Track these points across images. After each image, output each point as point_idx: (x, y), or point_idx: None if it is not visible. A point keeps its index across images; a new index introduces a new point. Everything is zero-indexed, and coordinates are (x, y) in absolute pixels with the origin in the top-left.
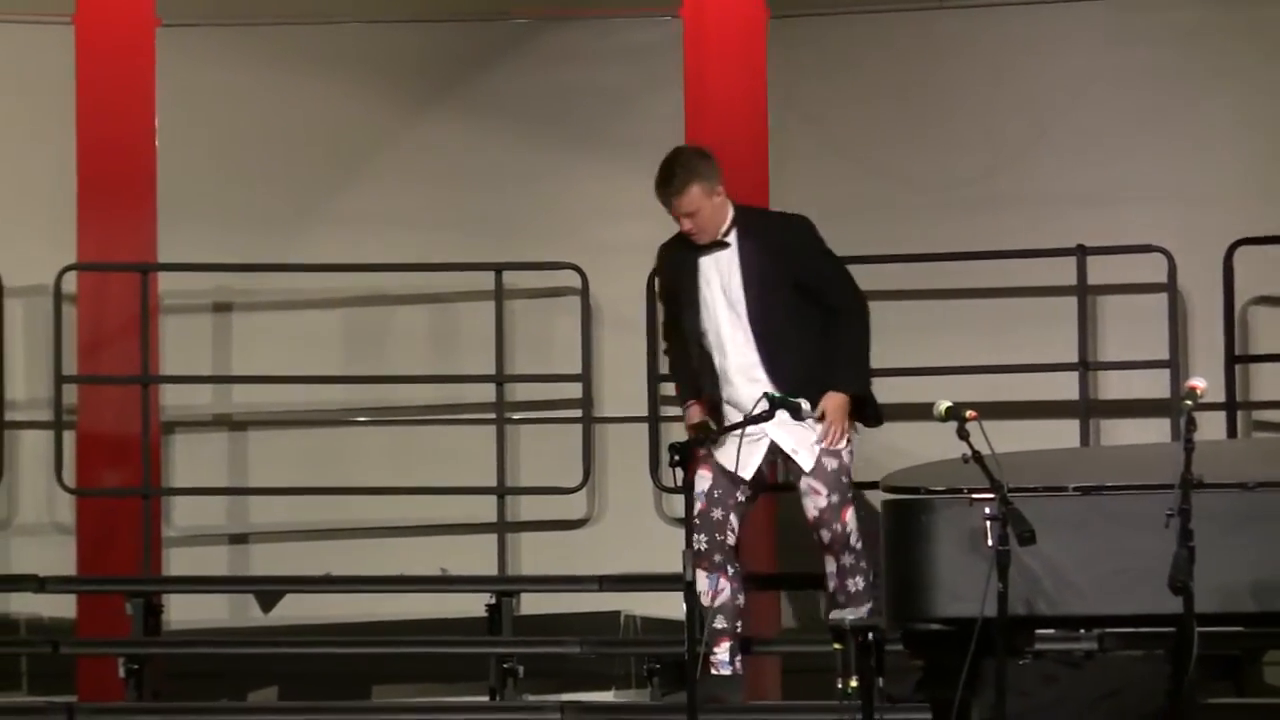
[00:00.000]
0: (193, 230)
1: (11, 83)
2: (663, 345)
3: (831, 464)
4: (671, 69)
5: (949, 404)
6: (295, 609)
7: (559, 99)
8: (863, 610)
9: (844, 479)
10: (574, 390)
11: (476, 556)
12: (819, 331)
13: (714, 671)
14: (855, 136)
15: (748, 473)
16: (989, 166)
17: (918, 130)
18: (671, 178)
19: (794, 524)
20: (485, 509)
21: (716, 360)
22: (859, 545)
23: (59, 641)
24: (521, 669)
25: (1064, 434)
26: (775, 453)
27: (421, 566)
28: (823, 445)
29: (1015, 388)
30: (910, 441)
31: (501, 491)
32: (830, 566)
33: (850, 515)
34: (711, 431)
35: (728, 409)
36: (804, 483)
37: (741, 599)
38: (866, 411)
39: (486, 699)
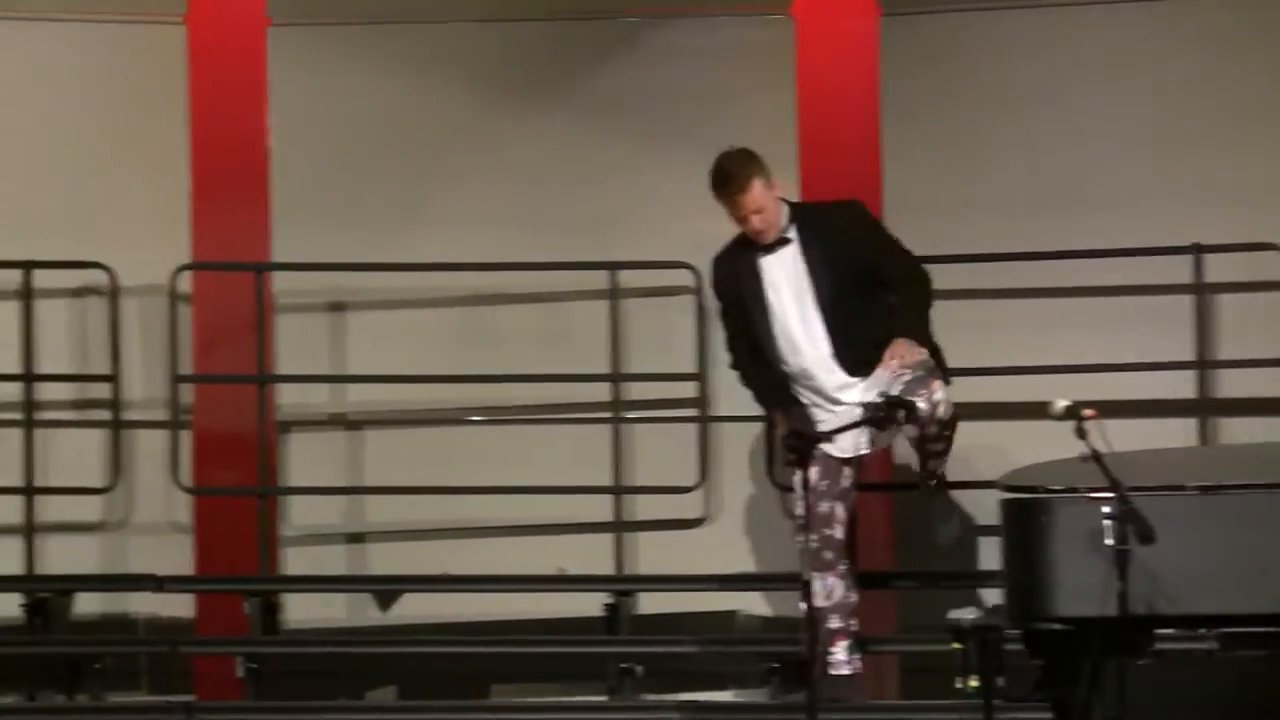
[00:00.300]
0: (307, 229)
1: (125, 83)
2: (729, 359)
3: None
4: (781, 67)
5: (1067, 403)
6: (413, 608)
7: (670, 96)
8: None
9: (928, 363)
10: (689, 389)
11: (594, 556)
12: (885, 314)
13: (832, 671)
14: (966, 134)
15: (865, 446)
16: (1100, 164)
17: (1029, 128)
18: (732, 177)
19: (912, 522)
20: (602, 508)
21: (791, 360)
22: (946, 416)
23: (177, 641)
24: (640, 668)
25: (1181, 433)
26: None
27: (539, 565)
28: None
29: (1130, 386)
30: (1026, 440)
31: (618, 490)
32: (912, 432)
33: (937, 386)
34: (822, 435)
35: (818, 400)
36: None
37: (854, 596)
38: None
39: (605, 699)
